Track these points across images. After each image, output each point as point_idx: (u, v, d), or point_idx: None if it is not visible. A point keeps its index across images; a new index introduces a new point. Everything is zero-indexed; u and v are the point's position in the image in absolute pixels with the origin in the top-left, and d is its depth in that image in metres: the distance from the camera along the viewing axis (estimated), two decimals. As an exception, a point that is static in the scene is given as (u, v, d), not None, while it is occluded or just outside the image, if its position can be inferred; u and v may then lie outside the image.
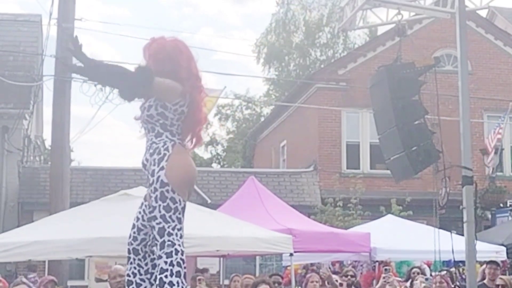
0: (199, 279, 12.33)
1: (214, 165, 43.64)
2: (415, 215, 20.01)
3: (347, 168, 23.98)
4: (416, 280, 11.54)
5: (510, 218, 21.29)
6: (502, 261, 14.90)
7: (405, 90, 8.67)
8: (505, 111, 22.61)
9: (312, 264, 16.30)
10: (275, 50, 42.78)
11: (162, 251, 4.71)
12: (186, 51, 5.09)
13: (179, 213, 4.80)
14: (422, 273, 13.03)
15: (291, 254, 12.34)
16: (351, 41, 42.43)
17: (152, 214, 4.77)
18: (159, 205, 4.75)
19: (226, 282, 15.24)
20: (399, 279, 12.82)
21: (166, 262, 4.69)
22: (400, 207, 21.05)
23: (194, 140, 5.15)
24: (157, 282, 4.70)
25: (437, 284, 9.63)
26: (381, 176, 23.08)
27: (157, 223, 4.75)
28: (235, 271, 15.29)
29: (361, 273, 15.22)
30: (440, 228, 9.52)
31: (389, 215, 17.55)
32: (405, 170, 8.80)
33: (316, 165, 24.11)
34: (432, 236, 9.23)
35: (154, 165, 4.84)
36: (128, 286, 4.89)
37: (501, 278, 9.69)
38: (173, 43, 5.07)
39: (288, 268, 14.31)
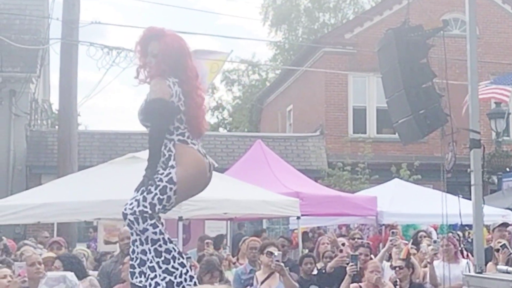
0: (207, 242, 12.39)
1: (220, 129, 43.68)
2: (422, 179, 20.07)
3: (354, 133, 24.00)
4: (423, 243, 11.60)
5: (517, 182, 21.32)
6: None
7: (413, 53, 8.63)
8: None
9: (319, 228, 16.40)
10: (282, 13, 42.52)
11: (146, 223, 4.82)
12: (187, 48, 5.22)
13: (163, 211, 4.96)
14: (428, 237, 13.10)
15: (298, 218, 12.43)
16: (360, 5, 42.10)
17: (145, 196, 4.86)
18: (156, 194, 4.85)
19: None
20: (406, 242, 12.87)
21: (155, 233, 4.83)
22: (408, 172, 21.05)
23: (197, 129, 5.20)
24: (152, 253, 4.80)
25: (444, 246, 9.68)
26: (388, 141, 23.12)
27: (143, 205, 4.84)
28: (242, 235, 15.40)
29: (368, 236, 15.31)
30: (446, 192, 9.54)
31: (396, 179, 17.57)
32: (412, 133, 8.78)
33: (322, 129, 24.14)
34: (439, 200, 9.24)
35: (161, 167, 4.93)
36: (133, 244, 4.94)
37: (499, 242, 9.73)
38: (178, 43, 5.16)
39: (295, 231, 14.39)
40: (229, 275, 9.95)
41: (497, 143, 22.18)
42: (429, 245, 11.15)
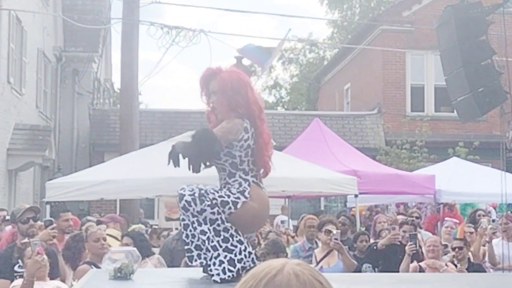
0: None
1: (278, 108, 43.74)
2: (480, 158, 19.87)
3: (412, 111, 23.85)
4: (483, 219, 11.57)
5: None
6: None
7: (472, 30, 8.59)
8: None
9: (376, 206, 16.41)
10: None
11: (203, 204, 4.82)
12: (247, 81, 5.15)
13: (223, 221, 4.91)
14: (486, 215, 13.03)
15: (356, 196, 12.39)
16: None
17: (209, 192, 4.88)
18: (214, 199, 4.86)
19: (292, 222, 15.50)
20: (456, 221, 12.80)
21: (213, 213, 4.86)
22: (466, 150, 20.81)
23: (263, 169, 5.18)
24: (212, 233, 4.86)
25: (503, 224, 9.65)
26: (446, 119, 22.93)
27: (204, 192, 4.87)
28: (300, 212, 15.51)
29: (425, 215, 15.29)
30: (505, 170, 9.49)
31: (454, 158, 17.43)
32: (471, 111, 8.77)
33: (380, 107, 24.06)
34: (497, 178, 9.21)
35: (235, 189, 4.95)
36: (185, 229, 4.98)
37: None
38: (236, 76, 5.09)
39: (353, 209, 14.43)
40: (287, 251, 10.03)
41: (558, 121, 21.78)
42: (489, 223, 11.12)
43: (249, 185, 4.97)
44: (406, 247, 8.37)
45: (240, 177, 4.98)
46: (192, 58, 68.84)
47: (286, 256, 8.25)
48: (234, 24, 64.75)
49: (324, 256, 8.36)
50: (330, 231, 8.25)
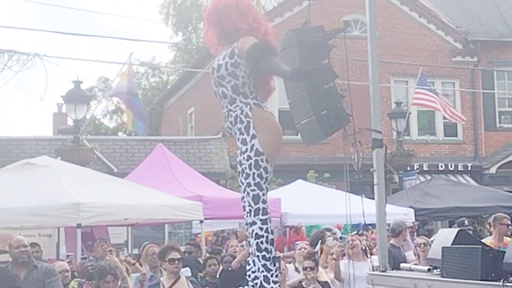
0: (110, 250, 12.03)
1: (120, 134, 42.96)
2: (325, 180, 20.19)
3: (256, 135, 23.92)
4: (327, 240, 11.66)
5: (417, 181, 21.72)
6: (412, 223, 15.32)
7: (315, 54, 8.55)
8: (413, 75, 23.02)
9: (222, 231, 16.24)
10: (184, 13, 42.15)
11: (256, 217, 4.94)
12: (240, 4, 5.23)
13: (268, 183, 5.08)
14: (332, 235, 13.15)
15: (201, 221, 12.32)
16: (262, 5, 42.23)
17: (247, 181, 4.96)
18: (254, 173, 4.95)
19: (135, 251, 15.03)
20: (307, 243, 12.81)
21: (261, 229, 4.93)
22: (316, 174, 20.96)
23: (263, 90, 5.39)
24: (254, 247, 4.86)
25: (350, 242, 9.78)
26: (291, 142, 23.15)
27: (251, 190, 4.95)
28: (143, 240, 15.06)
29: (272, 239, 15.25)
30: (350, 192, 9.55)
31: (299, 180, 17.53)
32: (315, 134, 8.72)
33: (224, 131, 24.01)
34: (342, 200, 9.25)
35: (242, 134, 5.00)
36: None
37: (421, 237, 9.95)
38: (224, 2, 5.22)
39: (199, 235, 14.20)
40: (129, 281, 9.76)
41: (398, 142, 22.57)
42: (335, 240, 11.22)
43: (250, 109, 5.04)
44: None
45: (241, 101, 5.09)
46: (27, 83, 66.10)
47: (115, 277, 7.98)
48: (71, 47, 62.89)
49: (172, 285, 8.09)
50: (174, 260, 8.05)
